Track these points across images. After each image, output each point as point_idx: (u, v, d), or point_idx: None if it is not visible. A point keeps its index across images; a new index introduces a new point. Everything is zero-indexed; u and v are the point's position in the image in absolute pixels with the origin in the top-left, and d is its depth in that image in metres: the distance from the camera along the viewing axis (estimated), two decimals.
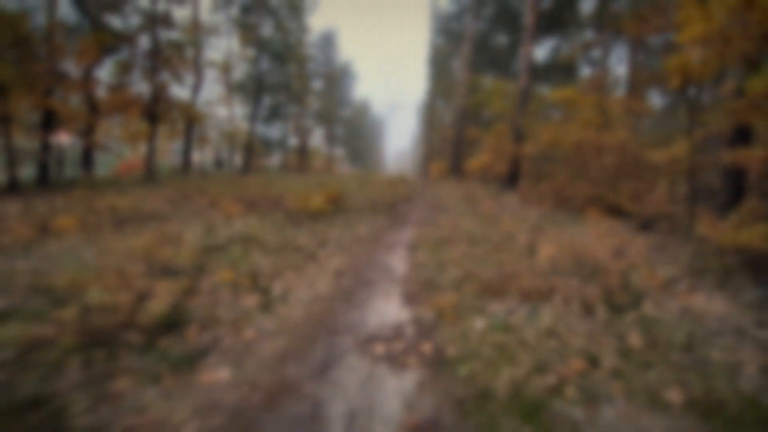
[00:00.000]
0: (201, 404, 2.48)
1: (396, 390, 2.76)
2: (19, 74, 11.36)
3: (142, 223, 8.13)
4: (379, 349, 3.33)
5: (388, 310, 4.17)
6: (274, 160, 37.32)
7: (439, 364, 3.10)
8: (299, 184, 15.19)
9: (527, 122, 16.52)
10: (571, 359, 3.07)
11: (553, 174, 14.10)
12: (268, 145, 33.57)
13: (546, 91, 22.07)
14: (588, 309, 4.09)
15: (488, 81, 26.10)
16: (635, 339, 3.47)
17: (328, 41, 47.60)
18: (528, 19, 17.45)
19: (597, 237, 6.63)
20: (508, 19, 27.13)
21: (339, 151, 55.01)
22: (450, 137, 32.21)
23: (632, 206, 9.29)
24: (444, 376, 2.93)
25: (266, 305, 4.09)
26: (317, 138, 47.03)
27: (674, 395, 2.61)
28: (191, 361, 2.97)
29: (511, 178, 16.96)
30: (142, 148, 17.65)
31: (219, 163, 29.29)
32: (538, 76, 24.17)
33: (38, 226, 7.30)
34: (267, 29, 29.28)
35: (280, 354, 3.14)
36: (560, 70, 23.97)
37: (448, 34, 37.08)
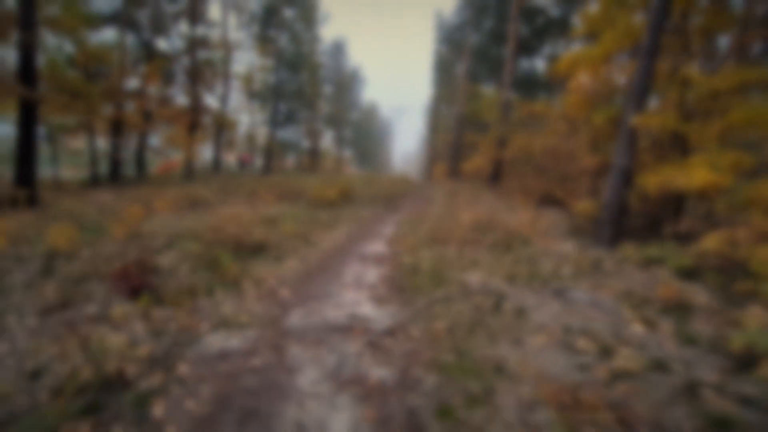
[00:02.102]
0: (289, 270, 5.65)
1: (376, 271, 5.90)
2: (102, 91, 14.71)
3: (207, 207, 11.35)
4: (370, 260, 6.48)
5: (376, 247, 7.33)
6: (289, 161, 40.50)
7: (399, 265, 6.23)
8: (315, 182, 18.37)
9: (511, 130, 19.48)
10: (465, 263, 6.18)
11: (524, 174, 17.13)
12: (284, 148, 36.81)
13: (542, 101, 24.88)
14: (492, 248, 7.19)
15: (485, 91, 28.88)
16: (507, 258, 6.57)
17: (338, 49, 50.61)
18: (509, 44, 20.49)
19: (526, 217, 9.69)
20: (504, 34, 29.92)
21: (348, 153, 58.03)
22: (450, 141, 35.07)
23: (568, 199, 12.31)
24: (400, 268, 6.05)
25: (308, 244, 7.27)
26: (327, 140, 50.08)
27: (502, 271, 5.71)
28: (278, 260, 6.14)
29: (494, 177, 20.00)
30: (182, 151, 20.95)
31: (243, 164, 32.62)
32: (536, 85, 26.73)
33: (144, 207, 10.54)
34: (283, 41, 32.52)
35: (320, 259, 6.32)
36: (560, 80, 26.54)
37: (451, 44, 39.89)
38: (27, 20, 9.99)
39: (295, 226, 8.43)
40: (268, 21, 30.98)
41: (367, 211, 12.19)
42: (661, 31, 6.65)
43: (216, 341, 3.54)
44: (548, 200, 13.62)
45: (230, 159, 36.09)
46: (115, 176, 16.39)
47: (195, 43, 21.18)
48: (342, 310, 4.31)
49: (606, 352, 3.36)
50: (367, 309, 4.39)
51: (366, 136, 65.09)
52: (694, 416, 2.56)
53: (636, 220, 8.19)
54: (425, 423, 2.58)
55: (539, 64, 28.49)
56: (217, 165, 24.61)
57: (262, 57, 31.99)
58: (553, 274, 5.69)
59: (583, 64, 7.87)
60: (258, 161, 34.77)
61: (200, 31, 21.71)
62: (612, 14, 7.29)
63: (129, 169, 20.40)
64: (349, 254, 6.80)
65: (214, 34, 24.21)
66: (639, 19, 7.48)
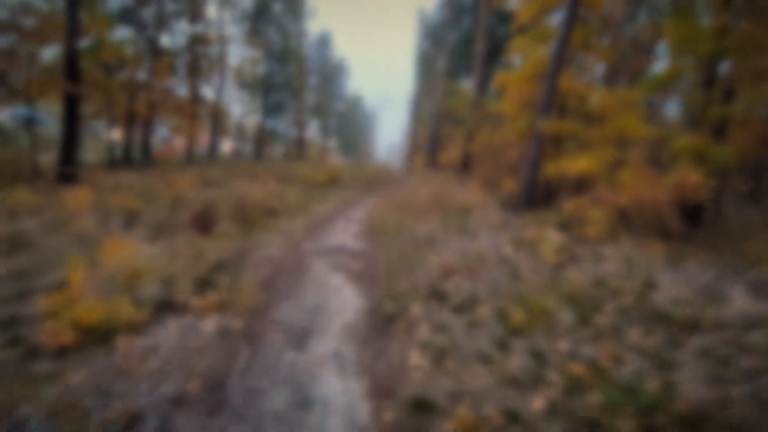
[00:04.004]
0: (297, 224, 8.29)
1: (357, 226, 8.58)
2: (119, 85, 16.86)
3: (219, 185, 13.79)
4: (353, 220, 9.17)
5: (358, 214, 10.02)
6: (277, 150, 42.60)
7: (373, 224, 8.90)
8: (304, 168, 20.87)
9: (478, 125, 22.17)
10: (418, 222, 8.91)
11: (486, 164, 19.96)
12: (272, 137, 38.90)
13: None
14: (441, 214, 9.92)
15: (461, 87, 31.36)
16: (449, 220, 9.31)
17: (323, 42, 52.15)
18: (479, 48, 23.17)
19: (474, 196, 12.47)
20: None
21: (332, 143, 60.02)
22: (429, 134, 37.61)
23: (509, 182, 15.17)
24: (373, 225, 8.73)
25: (307, 211, 9.90)
26: (312, 130, 51.99)
27: (441, 226, 8.45)
28: (289, 218, 8.76)
29: (464, 167, 22.80)
30: (182, 138, 23.16)
31: (237, 152, 34.74)
32: None
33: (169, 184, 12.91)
34: (272, 34, 34.47)
35: (318, 219, 8.98)
36: None
37: (433, 40, 42.15)
38: (73, 30, 12.18)
39: (296, 199, 11.03)
40: (258, 16, 32.87)
41: (351, 192, 14.84)
42: (561, 62, 9.42)
43: (264, 252, 6.18)
44: (500, 184, 16.47)
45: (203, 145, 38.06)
46: (128, 160, 18.58)
47: (195, 40, 23.24)
48: (335, 242, 6.99)
49: (481, 257, 6.13)
50: (350, 242, 7.09)
51: (350, 126, 67.14)
52: (507, 273, 5.34)
53: (551, 195, 11.09)
54: (379, 280, 5.29)
55: (516, 62, 31.08)
56: (212, 151, 26.82)
57: (252, 50, 33.92)
58: (475, 228, 8.46)
59: (510, 83, 10.62)
60: (247, 148, 36.88)
61: (199, 28, 23.76)
62: (531, 45, 10.04)
63: (135, 154, 22.49)
64: (338, 217, 9.48)
65: (211, 30, 26.20)
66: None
